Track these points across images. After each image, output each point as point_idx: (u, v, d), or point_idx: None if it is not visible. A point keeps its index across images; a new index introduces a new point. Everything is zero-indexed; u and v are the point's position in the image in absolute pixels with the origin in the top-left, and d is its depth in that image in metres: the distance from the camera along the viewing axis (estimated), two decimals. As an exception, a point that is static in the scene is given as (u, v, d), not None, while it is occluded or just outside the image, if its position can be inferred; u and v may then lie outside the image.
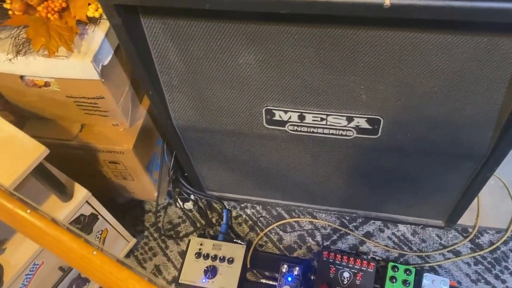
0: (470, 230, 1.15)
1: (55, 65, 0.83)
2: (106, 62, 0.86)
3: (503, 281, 1.07)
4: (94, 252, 0.54)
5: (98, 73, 0.84)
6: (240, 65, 0.78)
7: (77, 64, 0.82)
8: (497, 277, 1.08)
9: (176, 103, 0.90)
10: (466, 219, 1.14)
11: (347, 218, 1.21)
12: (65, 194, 0.91)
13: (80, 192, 0.93)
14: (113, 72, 0.91)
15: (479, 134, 0.80)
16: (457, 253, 1.12)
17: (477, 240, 1.14)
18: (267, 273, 1.13)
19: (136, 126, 1.05)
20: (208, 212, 1.28)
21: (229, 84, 0.82)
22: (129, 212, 1.30)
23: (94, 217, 0.99)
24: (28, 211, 0.57)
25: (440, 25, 0.64)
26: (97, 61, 0.83)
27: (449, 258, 1.12)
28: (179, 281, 1.10)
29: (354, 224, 1.20)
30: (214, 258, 1.11)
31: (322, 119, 0.84)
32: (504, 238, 1.12)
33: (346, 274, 1.02)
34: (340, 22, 0.66)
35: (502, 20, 0.57)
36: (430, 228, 1.17)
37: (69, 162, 1.00)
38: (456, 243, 1.13)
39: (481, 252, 1.12)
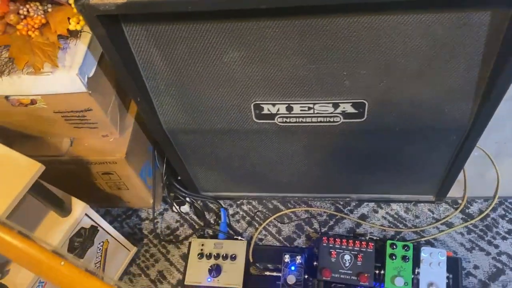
0: (460, 201, 1.19)
1: (41, 82, 0.84)
2: (91, 74, 0.86)
3: (496, 246, 1.11)
4: (62, 263, 0.53)
5: (85, 85, 0.85)
6: (225, 63, 0.79)
7: (64, 78, 0.83)
8: (490, 243, 1.12)
9: (164, 107, 0.92)
10: (454, 192, 1.18)
11: (341, 203, 1.24)
12: (64, 209, 0.91)
13: (78, 206, 0.94)
14: (98, 83, 0.92)
15: (460, 107, 0.83)
16: (450, 225, 1.16)
17: (467, 210, 1.18)
18: (270, 266, 1.15)
19: (126, 134, 1.06)
20: (205, 212, 1.29)
21: (216, 83, 0.84)
22: (127, 221, 1.30)
23: (94, 229, 0.99)
24: None
25: (414, 6, 0.66)
26: (82, 73, 0.84)
27: (443, 231, 1.15)
28: (185, 283, 1.12)
29: (349, 208, 1.23)
30: (217, 256, 1.12)
31: (309, 108, 0.87)
32: (492, 205, 1.16)
33: (347, 257, 1.05)
34: (318, 12, 0.69)
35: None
36: (422, 204, 1.20)
37: (63, 177, 1.00)
38: (448, 215, 1.17)
39: (473, 221, 1.16)
